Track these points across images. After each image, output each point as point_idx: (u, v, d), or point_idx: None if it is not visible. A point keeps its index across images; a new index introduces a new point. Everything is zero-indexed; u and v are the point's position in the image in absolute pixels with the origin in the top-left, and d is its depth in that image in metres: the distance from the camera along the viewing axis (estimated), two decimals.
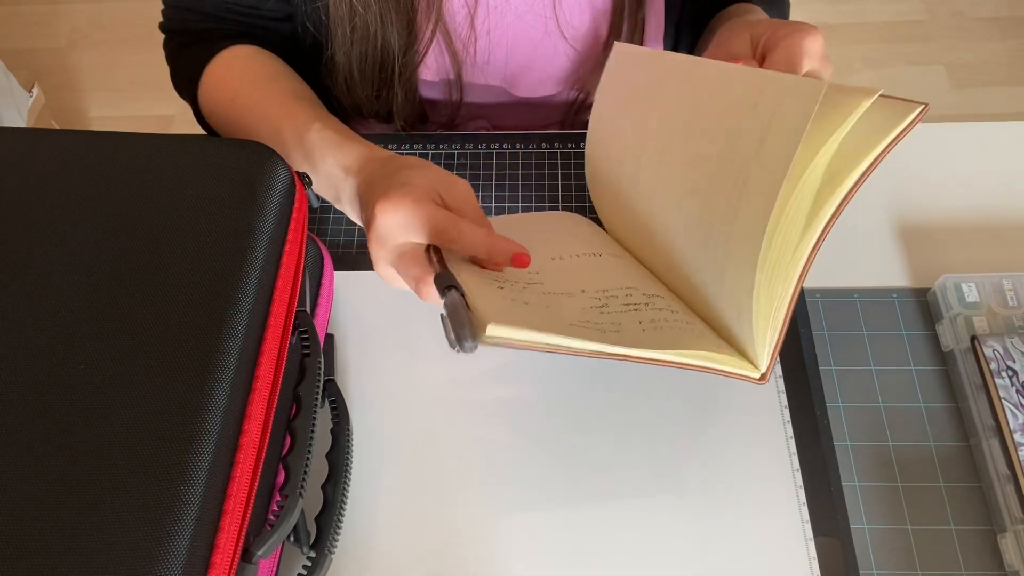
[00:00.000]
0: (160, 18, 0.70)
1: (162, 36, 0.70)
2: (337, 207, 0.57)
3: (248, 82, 0.63)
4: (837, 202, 0.41)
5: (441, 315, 0.42)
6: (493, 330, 0.39)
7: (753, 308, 0.43)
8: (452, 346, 0.40)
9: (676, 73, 0.52)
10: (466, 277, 0.45)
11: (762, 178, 0.42)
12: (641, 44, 0.68)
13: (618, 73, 0.58)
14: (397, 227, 0.46)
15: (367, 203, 0.49)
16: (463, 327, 0.40)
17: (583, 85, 0.71)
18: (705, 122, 0.48)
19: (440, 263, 0.46)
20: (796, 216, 0.42)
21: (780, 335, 0.44)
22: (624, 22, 0.66)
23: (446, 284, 0.43)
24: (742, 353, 0.46)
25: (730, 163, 0.44)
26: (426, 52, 0.65)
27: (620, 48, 0.58)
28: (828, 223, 0.42)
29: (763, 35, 0.52)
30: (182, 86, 0.68)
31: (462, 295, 0.43)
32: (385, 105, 0.69)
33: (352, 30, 0.62)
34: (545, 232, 0.57)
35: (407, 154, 0.68)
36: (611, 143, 0.57)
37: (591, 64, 0.69)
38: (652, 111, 0.53)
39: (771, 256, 0.42)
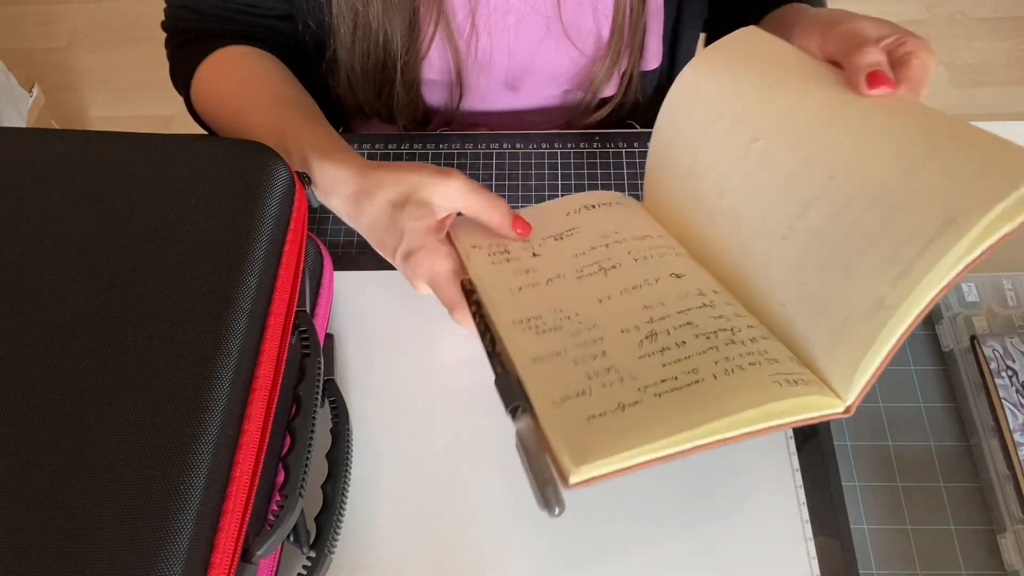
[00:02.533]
0: (162, 17, 0.70)
1: (163, 35, 0.70)
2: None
3: (234, 85, 0.63)
4: (988, 243, 0.38)
5: (516, 445, 0.39)
6: (578, 474, 0.36)
7: (879, 339, 0.39)
8: (541, 509, 0.36)
9: (824, 73, 0.47)
10: (517, 349, 0.44)
11: (930, 222, 0.38)
12: (642, 44, 0.68)
13: (737, 51, 0.52)
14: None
15: (385, 250, 0.53)
16: (546, 484, 0.36)
17: (586, 87, 0.71)
18: (865, 137, 0.43)
19: (498, 361, 0.44)
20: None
21: (881, 366, 0.40)
22: (626, 22, 0.66)
23: (513, 403, 0.41)
24: (820, 377, 0.42)
25: (895, 190, 0.40)
26: (428, 49, 0.65)
27: (753, 32, 0.52)
28: (968, 264, 0.39)
29: (884, 39, 0.48)
30: (179, 85, 0.68)
31: (530, 411, 0.40)
32: (387, 105, 0.69)
33: (355, 28, 0.63)
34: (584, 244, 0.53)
35: (407, 154, 0.68)
36: (702, 123, 0.51)
37: (593, 65, 0.69)
38: (784, 103, 0.47)
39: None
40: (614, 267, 0.49)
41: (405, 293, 0.59)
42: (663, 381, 0.41)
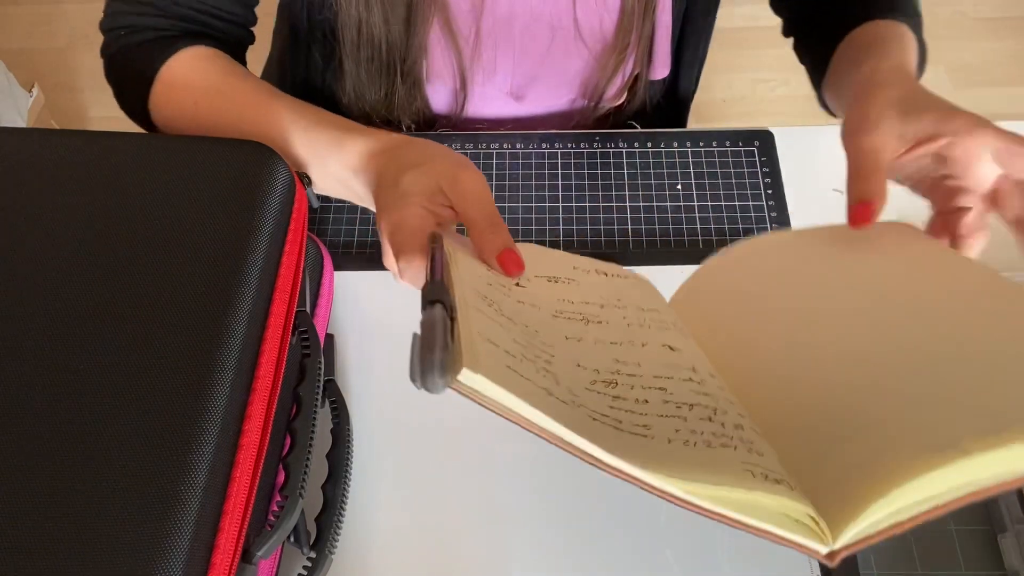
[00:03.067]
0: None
1: None
2: (354, 202, 0.55)
3: (216, 82, 0.59)
4: None
5: (414, 334, 0.32)
6: (469, 376, 0.29)
7: (922, 479, 0.30)
8: (413, 378, 0.30)
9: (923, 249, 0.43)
10: (473, 313, 0.36)
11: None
12: (651, 53, 0.68)
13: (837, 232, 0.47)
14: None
15: (376, 210, 0.48)
16: (433, 352, 0.30)
17: (591, 94, 0.71)
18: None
19: (435, 269, 0.38)
20: None
21: (905, 524, 0.31)
22: (633, 23, 0.65)
23: (433, 298, 0.34)
24: (814, 503, 0.33)
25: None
26: (428, 45, 0.64)
27: (904, 229, 0.47)
28: None
29: (924, 132, 0.43)
30: (129, 94, 0.61)
31: (450, 318, 0.33)
32: (390, 107, 0.69)
33: (359, 35, 0.62)
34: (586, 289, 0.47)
35: None
36: (788, 264, 0.47)
37: (599, 62, 0.69)
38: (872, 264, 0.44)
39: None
40: (599, 323, 0.43)
41: (405, 293, 0.59)
42: (603, 415, 0.34)
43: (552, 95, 0.72)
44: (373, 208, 0.50)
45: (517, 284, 0.44)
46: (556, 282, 0.45)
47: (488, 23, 0.65)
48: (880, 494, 0.30)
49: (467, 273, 0.41)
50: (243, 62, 0.65)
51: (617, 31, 0.66)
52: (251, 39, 0.67)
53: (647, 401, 0.36)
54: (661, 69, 0.70)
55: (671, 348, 0.42)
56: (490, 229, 0.44)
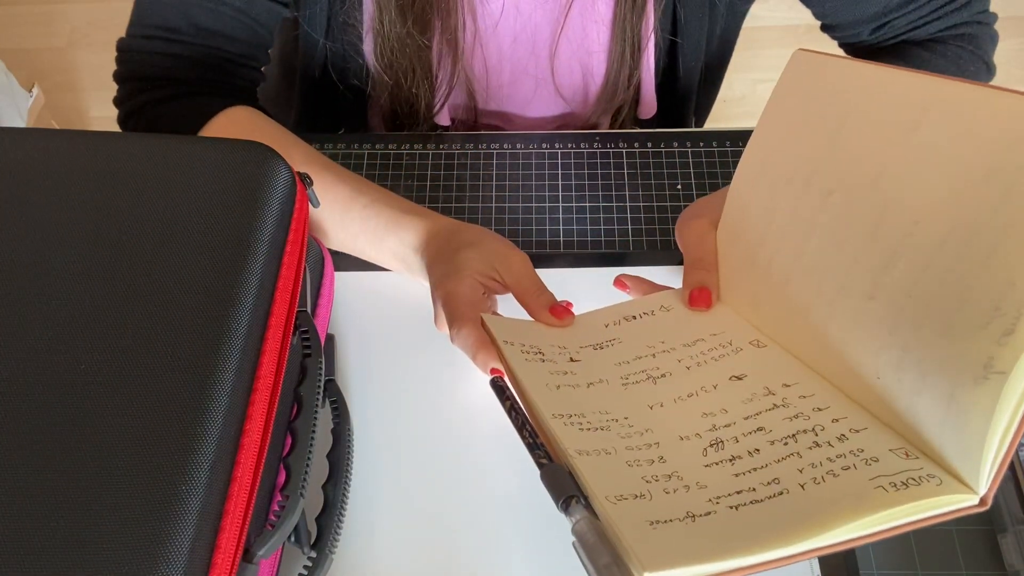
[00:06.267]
0: None
1: None
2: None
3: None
4: None
5: (574, 543, 0.33)
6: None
7: (996, 412, 0.31)
8: None
9: (888, 92, 0.39)
10: (557, 429, 0.37)
11: None
12: (636, 109, 0.72)
13: (794, 93, 0.45)
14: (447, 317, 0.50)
15: (431, 280, 0.53)
16: (609, 568, 0.31)
17: (577, 127, 0.76)
18: (944, 163, 0.36)
19: (543, 453, 0.38)
20: None
21: (1014, 441, 0.31)
22: (617, 90, 0.69)
23: (566, 494, 0.35)
24: (939, 461, 0.34)
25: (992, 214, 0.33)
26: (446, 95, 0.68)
27: (801, 59, 0.44)
28: None
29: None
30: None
31: (587, 506, 0.34)
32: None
33: (393, 83, 0.67)
34: (637, 339, 0.48)
35: (407, 154, 0.68)
36: (775, 189, 0.45)
37: (582, 115, 0.74)
38: (853, 144, 0.40)
39: None
40: (664, 376, 0.44)
41: (405, 293, 0.59)
42: (738, 492, 0.34)
43: (539, 126, 0.77)
44: (424, 280, 0.55)
45: (572, 359, 0.46)
46: (602, 348, 0.47)
47: (479, 65, 0.69)
48: (982, 431, 0.30)
49: (536, 392, 0.42)
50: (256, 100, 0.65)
51: (600, 96, 0.70)
52: (263, 79, 0.67)
53: (758, 450, 0.37)
54: (648, 110, 0.73)
55: (738, 377, 0.42)
56: (538, 292, 0.50)
